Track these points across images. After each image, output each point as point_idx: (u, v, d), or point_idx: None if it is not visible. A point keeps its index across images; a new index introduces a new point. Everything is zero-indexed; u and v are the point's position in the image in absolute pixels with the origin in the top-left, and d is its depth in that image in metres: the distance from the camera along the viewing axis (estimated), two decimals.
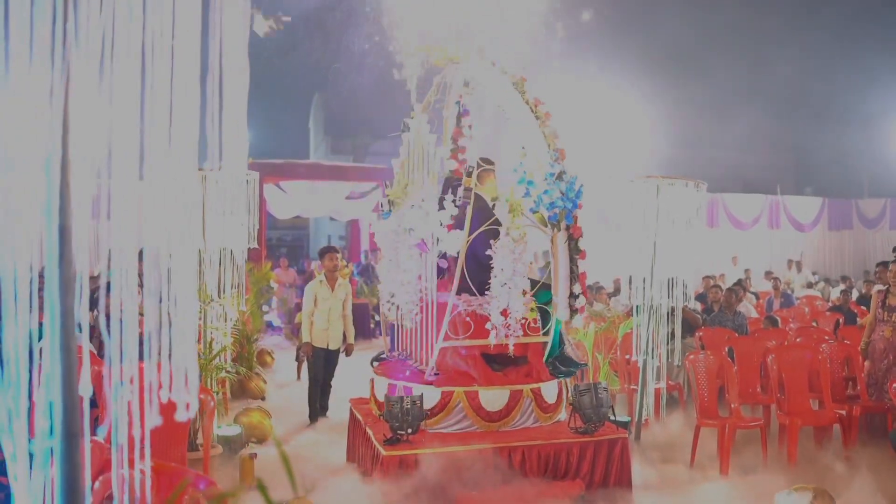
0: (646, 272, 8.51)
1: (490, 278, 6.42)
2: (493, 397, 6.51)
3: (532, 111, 6.76)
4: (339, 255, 10.00)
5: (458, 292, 6.59)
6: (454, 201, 6.47)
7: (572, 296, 6.65)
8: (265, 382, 11.01)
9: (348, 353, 9.76)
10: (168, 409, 2.12)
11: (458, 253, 6.46)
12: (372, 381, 7.08)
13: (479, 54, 6.82)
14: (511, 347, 6.45)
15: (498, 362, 6.71)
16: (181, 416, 2.03)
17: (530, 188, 6.54)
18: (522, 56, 6.90)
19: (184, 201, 2.08)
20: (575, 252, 6.67)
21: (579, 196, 6.61)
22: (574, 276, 6.64)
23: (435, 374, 6.48)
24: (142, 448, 2.17)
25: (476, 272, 6.51)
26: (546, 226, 6.64)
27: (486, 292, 6.48)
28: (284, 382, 12.12)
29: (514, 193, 6.62)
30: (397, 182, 7.57)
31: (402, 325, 7.23)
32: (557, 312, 6.64)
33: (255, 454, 6.87)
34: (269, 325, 17.19)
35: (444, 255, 6.70)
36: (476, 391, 6.47)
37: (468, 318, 6.55)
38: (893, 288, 8.63)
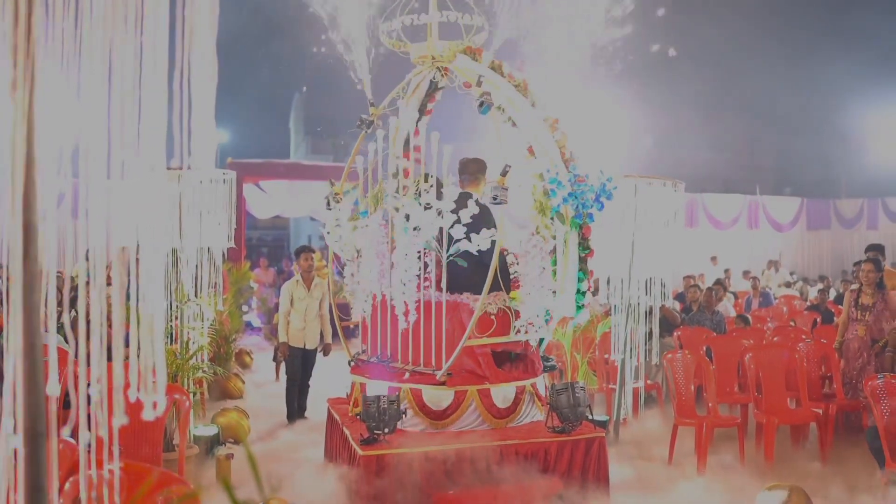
0: (624, 271, 8.54)
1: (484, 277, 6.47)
2: (503, 394, 6.56)
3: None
4: (314, 255, 10.00)
5: (460, 291, 6.61)
6: (495, 199, 6.39)
7: (579, 293, 6.77)
8: (243, 382, 10.97)
9: (326, 352, 9.75)
10: (138, 408, 2.10)
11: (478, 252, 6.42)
12: (362, 385, 6.89)
13: (478, 57, 6.81)
14: (545, 344, 6.62)
15: (500, 359, 6.75)
16: (148, 415, 2.01)
17: (559, 189, 6.56)
18: (513, 56, 6.88)
19: (149, 198, 2.06)
20: (583, 250, 6.77)
21: (610, 197, 6.69)
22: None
23: (448, 374, 6.43)
24: (111, 448, 2.14)
25: (476, 271, 6.52)
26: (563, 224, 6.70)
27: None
28: (263, 382, 12.09)
29: (538, 192, 6.69)
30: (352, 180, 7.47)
31: (376, 327, 7.10)
32: (565, 309, 6.73)
33: (232, 454, 6.84)
34: (249, 325, 17.11)
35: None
36: (488, 389, 6.50)
37: (493, 317, 6.57)
38: (865, 287, 8.72)
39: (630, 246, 8.41)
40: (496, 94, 6.66)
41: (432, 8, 6.85)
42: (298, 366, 9.46)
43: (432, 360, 6.51)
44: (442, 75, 7.08)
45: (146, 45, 2.09)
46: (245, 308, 16.33)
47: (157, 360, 2.07)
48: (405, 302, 6.48)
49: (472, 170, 6.98)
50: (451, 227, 6.31)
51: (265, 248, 40.03)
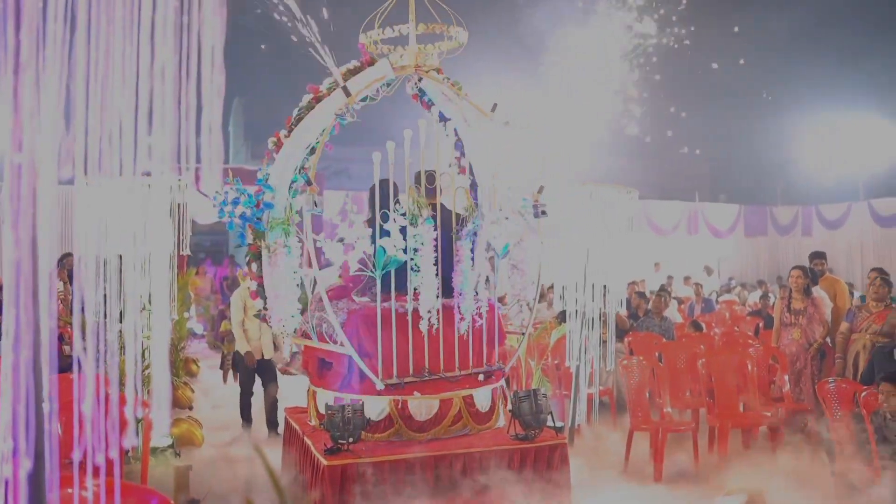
0: (578, 278, 8.58)
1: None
2: (423, 406, 6.40)
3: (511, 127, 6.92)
4: None
5: None
6: (542, 213, 7.13)
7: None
8: (193, 391, 10.77)
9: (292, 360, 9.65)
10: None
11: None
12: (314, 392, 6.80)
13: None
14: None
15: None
16: (158, 432, 1.95)
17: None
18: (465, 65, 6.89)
19: (165, 209, 2.01)
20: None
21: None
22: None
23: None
24: (110, 468, 2.08)
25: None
26: None
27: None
28: (211, 391, 11.90)
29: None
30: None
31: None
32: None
33: (191, 465, 6.70)
34: (192, 332, 16.80)
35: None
36: (405, 400, 6.34)
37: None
38: (794, 293, 9.11)
39: (585, 253, 8.45)
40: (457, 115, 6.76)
41: (412, 17, 6.73)
42: (252, 377, 9.32)
43: (483, 361, 6.66)
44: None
45: (151, 52, 2.04)
46: (186, 315, 16.03)
47: (163, 380, 2.02)
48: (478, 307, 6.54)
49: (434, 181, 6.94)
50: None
51: (203, 254, 39.37)
